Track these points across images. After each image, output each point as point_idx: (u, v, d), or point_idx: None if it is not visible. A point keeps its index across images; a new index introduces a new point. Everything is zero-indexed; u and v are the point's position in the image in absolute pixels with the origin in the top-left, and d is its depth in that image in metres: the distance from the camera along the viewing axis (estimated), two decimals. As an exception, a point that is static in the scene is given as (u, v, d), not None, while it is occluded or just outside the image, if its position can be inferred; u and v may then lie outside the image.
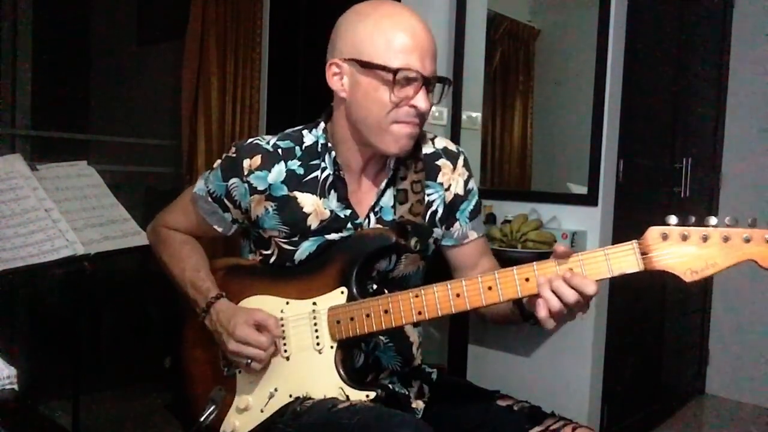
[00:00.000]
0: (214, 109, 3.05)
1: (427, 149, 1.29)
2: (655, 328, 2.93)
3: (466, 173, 1.32)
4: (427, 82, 1.13)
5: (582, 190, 2.48)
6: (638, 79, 2.54)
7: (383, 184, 1.23)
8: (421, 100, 1.13)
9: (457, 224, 1.31)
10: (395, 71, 1.10)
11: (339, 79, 1.17)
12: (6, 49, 3.17)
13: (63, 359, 2.25)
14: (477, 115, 2.78)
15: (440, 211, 1.28)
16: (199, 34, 2.98)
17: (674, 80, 2.89)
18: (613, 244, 1.01)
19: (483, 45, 2.78)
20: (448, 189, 1.29)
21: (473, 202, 1.32)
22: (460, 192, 1.30)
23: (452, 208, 1.30)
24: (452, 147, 1.32)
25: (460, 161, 1.31)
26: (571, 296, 0.99)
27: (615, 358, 2.54)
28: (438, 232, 1.29)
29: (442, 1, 2.69)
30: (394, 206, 1.24)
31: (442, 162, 1.29)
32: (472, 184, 1.33)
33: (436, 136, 1.32)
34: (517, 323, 1.17)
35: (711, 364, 3.41)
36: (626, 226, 2.53)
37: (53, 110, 3.46)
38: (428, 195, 1.27)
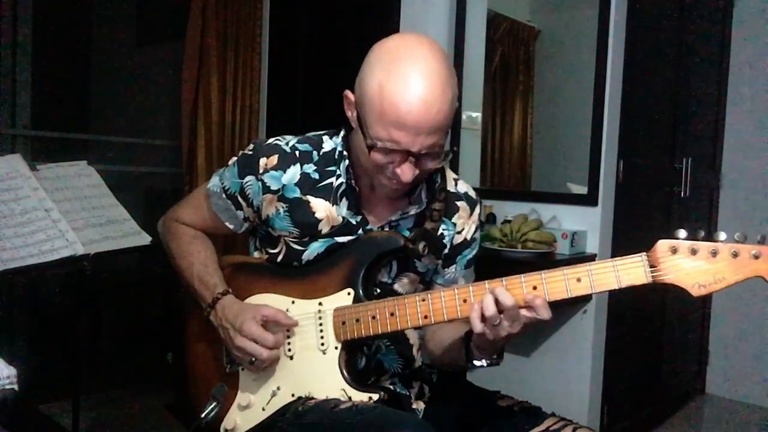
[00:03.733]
0: (214, 109, 3.05)
1: (449, 187, 1.29)
2: (655, 328, 2.93)
3: (478, 221, 1.33)
4: (418, 155, 1.07)
5: (582, 190, 2.48)
6: (638, 79, 2.54)
7: (413, 210, 1.22)
8: (403, 172, 1.08)
9: (453, 267, 1.31)
10: (370, 146, 1.07)
11: (349, 110, 1.15)
12: (6, 49, 3.17)
13: (63, 359, 2.25)
14: (477, 115, 2.78)
15: (447, 248, 1.28)
16: (199, 34, 2.98)
17: (674, 80, 2.89)
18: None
19: (483, 45, 2.78)
20: (460, 232, 1.29)
21: (474, 251, 1.33)
22: (468, 238, 1.31)
23: (457, 250, 1.30)
24: (472, 193, 1.33)
25: (477, 209, 1.32)
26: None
27: (615, 358, 2.54)
28: (439, 262, 1.29)
29: (442, 1, 2.69)
30: (410, 228, 1.23)
31: (461, 204, 1.29)
32: (478, 234, 1.33)
33: (459, 179, 1.33)
34: (462, 366, 1.18)
35: (711, 364, 3.41)
36: (626, 226, 2.53)
37: (53, 110, 3.46)
38: (442, 229, 1.27)
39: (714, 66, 3.27)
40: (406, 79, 1.03)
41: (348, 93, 1.14)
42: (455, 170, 1.51)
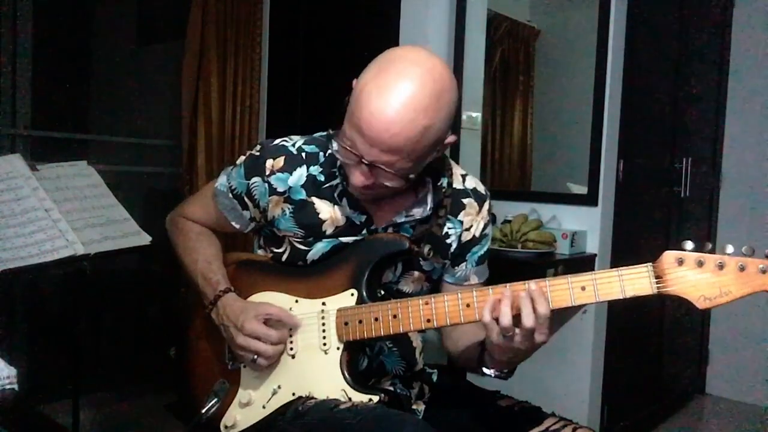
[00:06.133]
0: (214, 109, 3.05)
1: (456, 184, 1.27)
2: (655, 328, 2.93)
3: (488, 217, 1.31)
4: (370, 165, 1.05)
5: (582, 190, 2.48)
6: (638, 79, 2.54)
7: (417, 214, 1.20)
8: (353, 174, 1.09)
9: (463, 265, 1.30)
10: (329, 136, 1.08)
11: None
12: (6, 49, 3.17)
13: (63, 359, 2.25)
14: (477, 115, 2.78)
15: (453, 246, 1.27)
16: (199, 34, 2.98)
17: (674, 81, 2.89)
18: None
19: (483, 45, 2.78)
20: (468, 229, 1.28)
21: (485, 248, 1.31)
22: (477, 235, 1.29)
23: (465, 248, 1.29)
24: (481, 189, 1.31)
25: (486, 205, 1.30)
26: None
27: (615, 358, 2.54)
28: (447, 262, 1.29)
29: (442, 1, 2.69)
30: (414, 226, 1.22)
31: (468, 201, 1.27)
32: (489, 230, 1.32)
33: (467, 175, 1.31)
34: (473, 369, 1.18)
35: (711, 364, 3.41)
36: (626, 226, 2.53)
37: (53, 110, 3.45)
38: (447, 228, 1.26)
39: (714, 66, 3.27)
40: (382, 92, 1.01)
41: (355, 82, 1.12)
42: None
